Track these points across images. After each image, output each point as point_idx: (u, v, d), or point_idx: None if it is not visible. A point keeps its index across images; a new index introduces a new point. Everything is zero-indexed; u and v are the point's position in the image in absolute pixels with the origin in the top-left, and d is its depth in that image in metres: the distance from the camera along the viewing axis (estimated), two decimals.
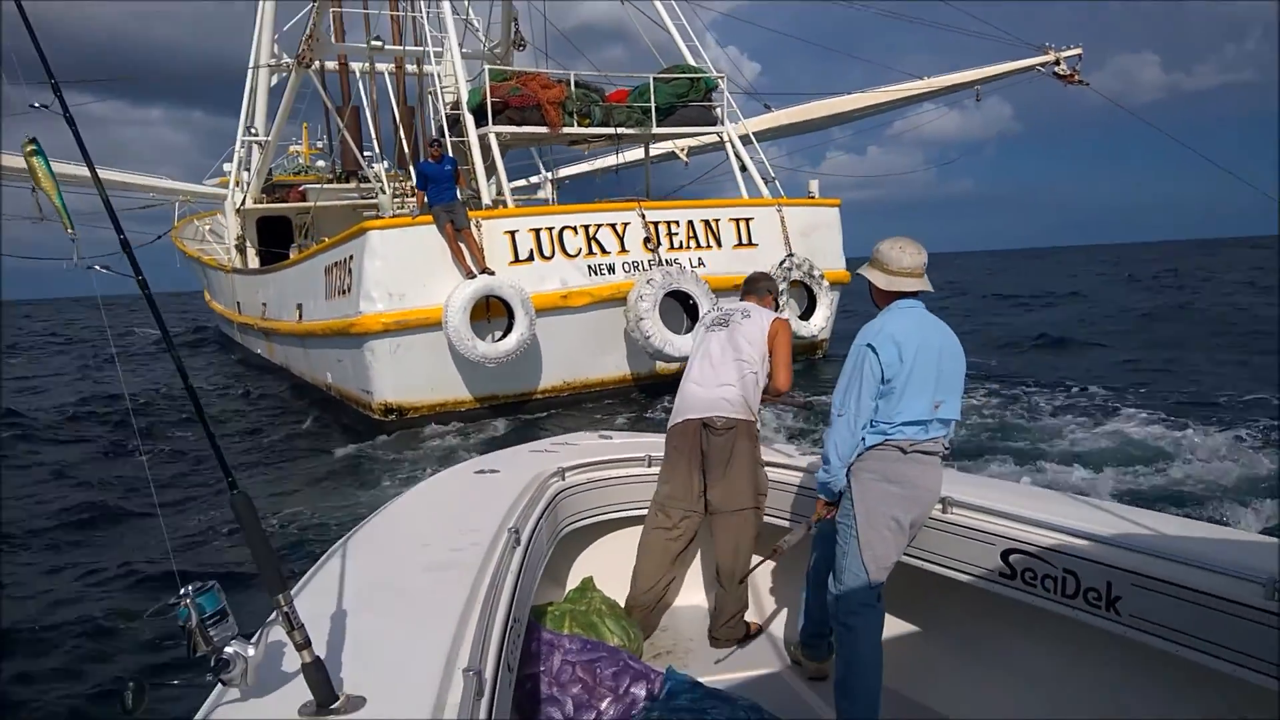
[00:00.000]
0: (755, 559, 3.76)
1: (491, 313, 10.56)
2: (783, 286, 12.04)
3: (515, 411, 11.03)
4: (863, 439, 2.98)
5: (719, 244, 12.02)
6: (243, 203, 18.72)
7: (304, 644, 1.47)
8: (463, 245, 10.44)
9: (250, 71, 19.28)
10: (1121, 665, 2.78)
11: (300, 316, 13.32)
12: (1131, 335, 18.04)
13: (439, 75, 13.49)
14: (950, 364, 3.00)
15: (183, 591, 1.45)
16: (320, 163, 25.12)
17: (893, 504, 2.96)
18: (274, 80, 19.40)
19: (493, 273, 10.42)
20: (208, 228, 26.14)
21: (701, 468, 3.80)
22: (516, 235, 10.87)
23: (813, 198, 13.29)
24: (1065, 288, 34.45)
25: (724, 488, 3.76)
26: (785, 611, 4.06)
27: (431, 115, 12.61)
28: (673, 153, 22.34)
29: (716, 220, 12.07)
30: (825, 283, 12.52)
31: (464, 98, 11.77)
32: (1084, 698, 2.91)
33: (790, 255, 12.31)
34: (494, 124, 11.47)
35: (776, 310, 4.10)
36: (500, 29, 16.97)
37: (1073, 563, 2.67)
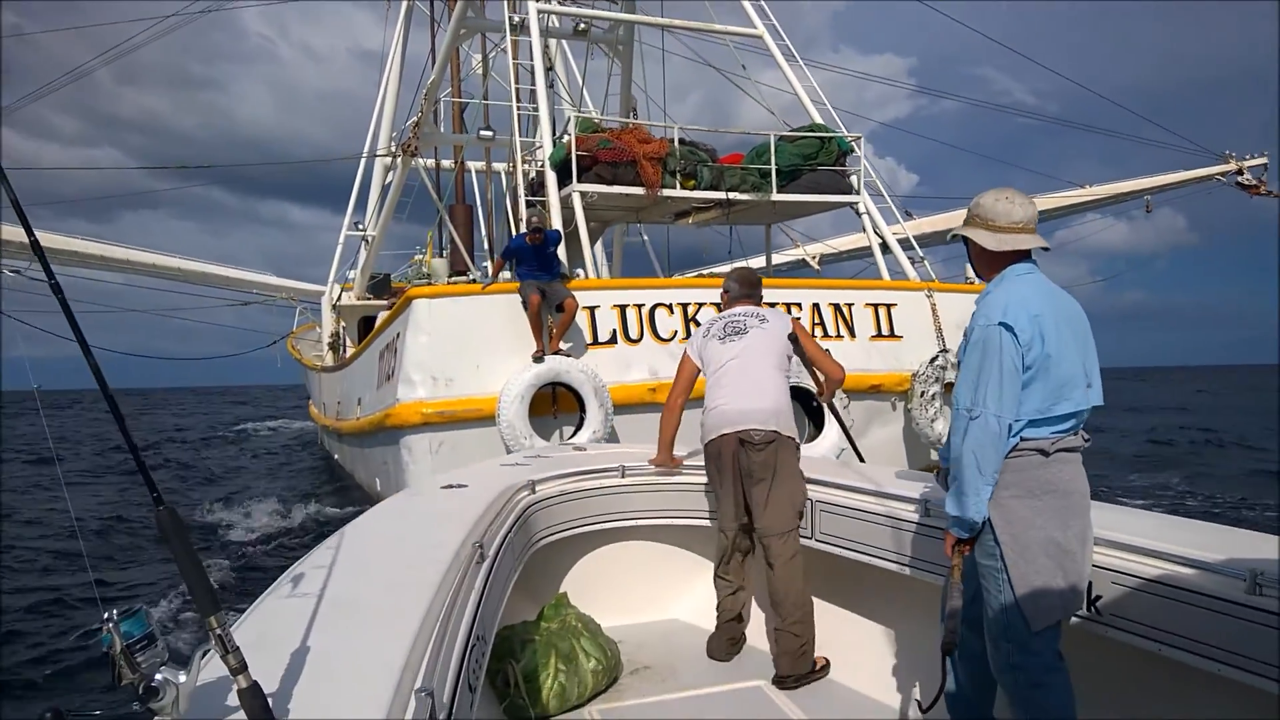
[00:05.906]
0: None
1: (560, 405, 8.44)
2: (935, 389, 9.41)
3: None
4: None
5: (852, 333, 9.56)
6: (338, 298, 17.69)
7: (239, 668, 1.34)
8: (551, 321, 8.42)
9: (361, 161, 18.79)
10: (1105, 668, 2.65)
11: (360, 412, 11.61)
12: None
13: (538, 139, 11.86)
14: (1086, 335, 2.45)
15: (106, 616, 1.29)
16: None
17: (1045, 522, 2.33)
18: (389, 177, 18.85)
19: (564, 354, 8.35)
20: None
21: (742, 486, 3.61)
22: (596, 312, 8.81)
23: (971, 283, 10.71)
24: None
25: (772, 509, 3.53)
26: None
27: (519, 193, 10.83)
28: (803, 260, 20.44)
29: (849, 305, 9.65)
30: None
31: (547, 152, 10.06)
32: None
33: (944, 351, 9.69)
34: (579, 182, 9.65)
35: None
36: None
37: None
